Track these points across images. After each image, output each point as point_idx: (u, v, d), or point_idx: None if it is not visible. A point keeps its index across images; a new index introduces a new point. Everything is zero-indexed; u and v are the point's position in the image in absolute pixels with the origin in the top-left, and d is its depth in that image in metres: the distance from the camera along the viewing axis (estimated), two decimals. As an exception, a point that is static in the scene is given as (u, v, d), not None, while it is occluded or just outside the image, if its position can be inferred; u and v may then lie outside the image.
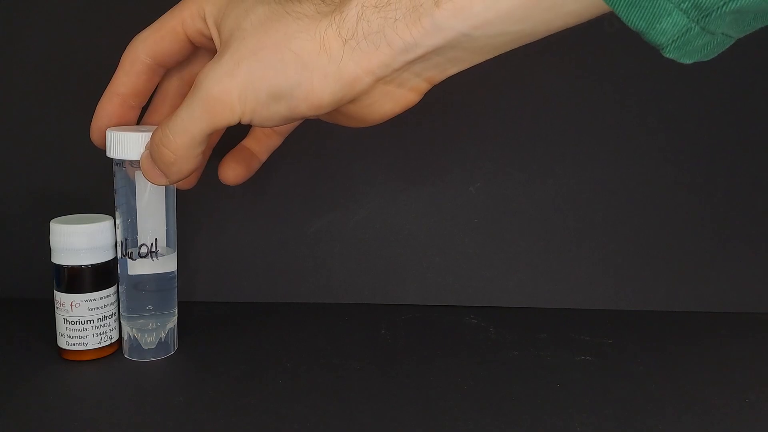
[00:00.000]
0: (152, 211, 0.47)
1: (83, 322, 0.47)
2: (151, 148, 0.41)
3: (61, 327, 0.47)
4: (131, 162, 0.44)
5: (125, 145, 0.43)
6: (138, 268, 0.47)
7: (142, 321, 0.48)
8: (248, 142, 0.49)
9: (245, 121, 0.38)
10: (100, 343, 0.48)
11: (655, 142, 0.57)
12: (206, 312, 0.56)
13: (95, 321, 0.47)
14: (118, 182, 0.47)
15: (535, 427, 0.40)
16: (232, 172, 0.47)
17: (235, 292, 0.59)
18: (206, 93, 0.37)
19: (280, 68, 0.36)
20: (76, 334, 0.47)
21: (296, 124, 0.48)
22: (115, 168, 0.47)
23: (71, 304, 0.47)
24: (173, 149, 0.39)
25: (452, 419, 0.41)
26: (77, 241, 0.46)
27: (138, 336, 0.48)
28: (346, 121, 0.41)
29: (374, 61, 0.36)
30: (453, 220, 0.58)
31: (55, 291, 0.47)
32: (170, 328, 0.49)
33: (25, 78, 0.57)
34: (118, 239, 0.47)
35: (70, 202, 0.55)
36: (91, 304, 0.47)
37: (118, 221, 0.47)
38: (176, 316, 0.49)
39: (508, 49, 0.36)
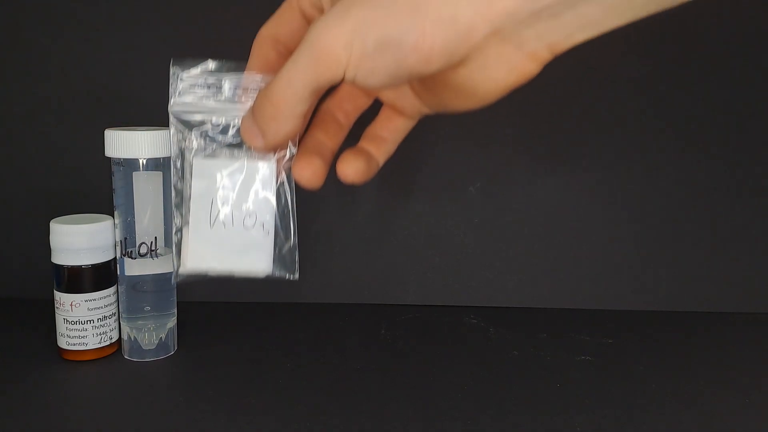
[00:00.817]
0: (151, 210, 0.47)
1: (83, 322, 0.47)
2: (254, 103, 0.39)
3: (61, 327, 0.47)
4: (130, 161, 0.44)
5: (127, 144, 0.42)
6: (136, 268, 0.47)
7: (140, 322, 0.48)
8: (363, 144, 0.45)
9: (349, 76, 0.36)
10: (100, 343, 0.48)
11: (656, 142, 0.57)
12: (206, 312, 0.56)
13: (95, 321, 0.47)
14: (118, 182, 0.47)
15: (535, 427, 0.40)
16: (352, 167, 0.43)
17: (235, 292, 0.59)
18: (314, 40, 0.35)
19: (392, 10, 0.33)
20: (76, 334, 0.47)
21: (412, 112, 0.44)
22: (114, 168, 0.47)
23: (71, 304, 0.47)
24: (276, 102, 0.38)
25: (452, 419, 0.41)
26: (77, 241, 0.46)
27: (138, 336, 0.48)
28: (453, 97, 0.38)
29: (495, 7, 0.33)
30: (453, 220, 0.58)
31: (55, 291, 0.47)
32: (170, 329, 0.49)
33: (26, 78, 0.57)
34: (118, 239, 0.47)
35: (70, 202, 0.55)
36: (91, 304, 0.47)
37: (117, 221, 0.47)
38: (176, 317, 0.49)
39: (645, 13, 0.33)
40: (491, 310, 0.58)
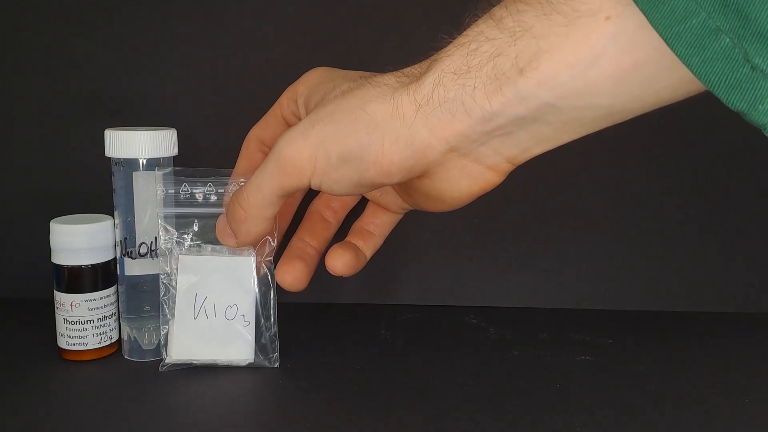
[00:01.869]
0: (151, 210, 0.47)
1: (83, 322, 0.47)
2: (227, 207, 0.43)
3: (61, 327, 0.47)
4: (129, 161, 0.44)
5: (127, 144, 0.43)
6: (136, 268, 0.47)
7: (140, 322, 0.48)
8: (351, 238, 0.47)
9: (315, 184, 0.38)
10: (100, 343, 0.48)
11: (656, 141, 0.57)
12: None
13: (95, 321, 0.47)
14: (117, 182, 0.47)
15: (535, 427, 0.40)
16: (340, 262, 0.45)
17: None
18: (279, 152, 0.38)
19: (352, 129, 0.36)
20: (76, 334, 0.47)
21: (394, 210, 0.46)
22: (114, 168, 0.47)
23: (71, 304, 0.47)
24: (245, 206, 0.40)
25: (452, 419, 0.41)
26: (77, 241, 0.46)
27: (138, 336, 0.48)
28: (424, 201, 0.40)
29: (449, 129, 0.34)
30: (453, 220, 0.58)
31: (55, 291, 0.47)
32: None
33: (26, 78, 0.57)
34: (118, 239, 0.47)
35: (70, 202, 0.55)
36: (91, 304, 0.47)
37: (117, 221, 0.47)
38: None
39: (596, 128, 0.34)
40: (491, 310, 0.58)
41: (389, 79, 0.37)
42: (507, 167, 0.38)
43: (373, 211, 0.47)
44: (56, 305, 0.47)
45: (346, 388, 0.45)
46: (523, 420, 0.41)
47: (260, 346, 0.47)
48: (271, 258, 0.47)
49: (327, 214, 0.48)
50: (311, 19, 0.56)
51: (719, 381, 0.46)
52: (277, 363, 0.47)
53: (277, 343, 0.47)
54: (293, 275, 0.45)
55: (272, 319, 0.47)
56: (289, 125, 0.45)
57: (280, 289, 0.48)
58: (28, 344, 0.50)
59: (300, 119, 0.43)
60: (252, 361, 0.46)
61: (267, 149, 0.46)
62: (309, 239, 0.47)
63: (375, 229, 0.47)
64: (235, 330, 0.46)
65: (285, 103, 0.45)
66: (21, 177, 0.58)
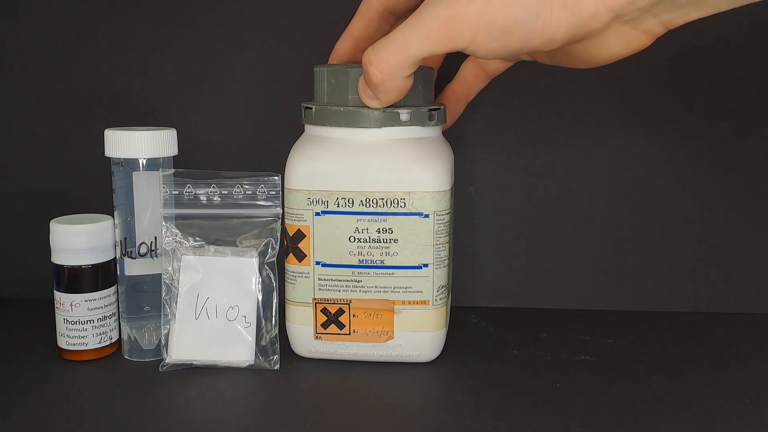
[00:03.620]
0: (151, 210, 0.47)
1: (83, 322, 0.47)
2: (364, 68, 0.40)
3: (61, 327, 0.47)
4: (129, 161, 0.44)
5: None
6: (136, 268, 0.47)
7: (140, 322, 0.48)
8: (455, 85, 0.48)
9: (468, 50, 0.37)
10: (100, 343, 0.48)
11: (656, 142, 0.57)
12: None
13: (95, 321, 0.47)
14: (118, 182, 0.47)
15: (535, 427, 0.40)
16: None
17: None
18: (437, 13, 0.36)
19: None
20: (76, 334, 0.47)
21: (510, 64, 0.47)
22: (114, 168, 0.47)
23: (71, 304, 0.47)
24: (381, 68, 0.39)
25: (452, 419, 0.41)
26: (77, 241, 0.46)
27: (138, 336, 0.48)
28: (567, 60, 0.40)
29: None
30: (453, 220, 0.58)
31: (55, 291, 0.47)
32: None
33: (26, 78, 0.57)
34: (118, 239, 0.47)
35: (70, 202, 0.55)
36: (91, 304, 0.47)
37: (117, 221, 0.47)
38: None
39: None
40: (491, 310, 0.58)
41: None
42: (660, 30, 0.37)
43: (473, 71, 0.48)
44: (56, 305, 0.47)
45: (346, 389, 0.45)
46: (523, 420, 0.41)
47: (261, 348, 0.47)
48: (273, 260, 0.47)
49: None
50: (311, 20, 0.56)
51: (719, 381, 0.46)
52: (278, 365, 0.47)
53: (277, 345, 0.47)
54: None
55: (273, 321, 0.47)
56: None
57: (280, 292, 0.48)
58: (28, 344, 0.50)
59: None
60: (252, 362, 0.46)
61: (387, 15, 0.45)
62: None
63: (482, 73, 0.48)
64: (236, 331, 0.46)
65: None
66: (21, 177, 0.58)
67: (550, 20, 0.35)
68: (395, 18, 0.46)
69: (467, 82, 0.49)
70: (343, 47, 0.47)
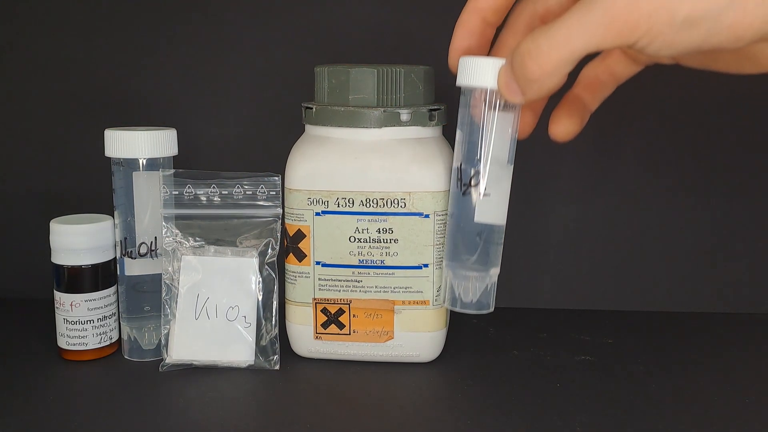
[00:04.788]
0: (151, 210, 0.47)
1: (83, 322, 0.47)
2: (514, 61, 0.36)
3: (61, 327, 0.47)
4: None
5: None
6: (136, 268, 0.47)
7: (140, 322, 0.48)
8: (579, 91, 0.43)
9: (639, 45, 0.33)
10: (100, 343, 0.48)
11: (656, 142, 0.57)
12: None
13: (95, 321, 0.47)
14: (118, 182, 0.47)
15: (535, 427, 0.40)
16: (564, 127, 0.41)
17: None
18: (609, 5, 0.32)
19: None
20: (76, 334, 0.47)
21: (641, 67, 0.42)
22: (114, 168, 0.47)
23: (71, 304, 0.47)
24: (542, 63, 0.34)
25: (452, 419, 0.41)
26: (77, 241, 0.46)
27: (138, 336, 0.48)
28: (734, 63, 0.36)
29: None
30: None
31: (55, 291, 0.47)
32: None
33: (26, 78, 0.57)
34: (118, 239, 0.47)
35: (70, 202, 0.55)
36: (91, 304, 0.47)
37: (117, 221, 0.47)
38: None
39: None
40: (491, 310, 0.58)
41: None
42: None
43: (617, 60, 0.42)
44: (56, 305, 0.47)
45: (346, 389, 0.45)
46: (523, 420, 0.41)
47: (261, 348, 0.47)
48: (274, 260, 0.47)
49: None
50: (311, 20, 0.56)
51: (719, 381, 0.46)
52: (278, 365, 0.47)
53: (277, 345, 0.47)
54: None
55: (273, 321, 0.47)
56: None
57: (281, 292, 0.48)
58: (28, 344, 0.50)
59: None
60: (252, 362, 0.46)
61: (493, 19, 0.40)
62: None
63: (610, 78, 0.42)
64: (236, 331, 0.46)
65: None
66: (21, 177, 0.58)
67: (744, 12, 0.31)
68: None
69: (592, 88, 0.43)
70: (470, 21, 0.40)
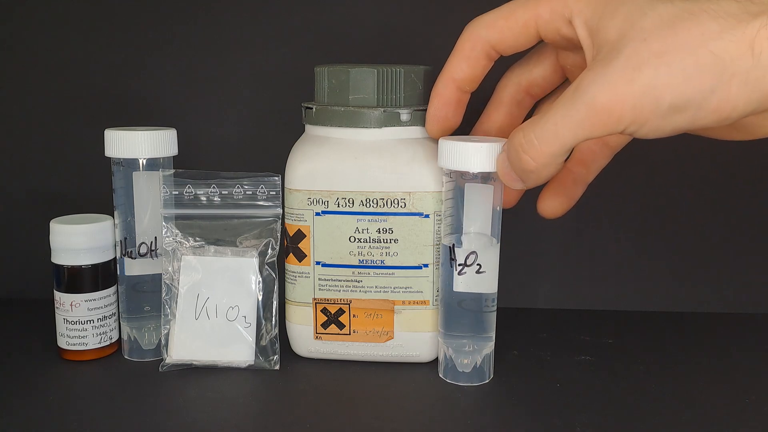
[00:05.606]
0: (151, 210, 0.47)
1: (83, 322, 0.47)
2: (509, 153, 0.38)
3: (61, 327, 0.47)
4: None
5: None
6: (136, 268, 0.47)
7: (140, 322, 0.48)
8: (572, 166, 0.44)
9: (628, 132, 0.34)
10: (100, 343, 0.48)
11: (656, 142, 0.57)
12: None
13: (95, 321, 0.47)
14: (118, 182, 0.47)
15: (535, 427, 0.40)
16: (551, 207, 0.44)
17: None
18: (592, 100, 0.33)
19: (694, 74, 0.31)
20: (76, 334, 0.47)
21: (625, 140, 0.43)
22: (114, 168, 0.47)
23: (71, 304, 0.47)
24: (535, 156, 0.36)
25: (452, 419, 0.41)
26: (77, 241, 0.46)
27: (138, 336, 0.48)
28: (724, 132, 0.37)
29: None
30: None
31: (55, 291, 0.47)
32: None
33: (25, 78, 0.57)
34: (118, 239, 0.47)
35: (70, 202, 0.55)
36: (91, 304, 0.47)
37: (117, 221, 0.47)
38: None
39: None
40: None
41: (730, 6, 0.31)
42: None
43: (591, 147, 0.43)
44: (56, 305, 0.47)
45: (346, 389, 0.45)
46: (523, 420, 0.41)
47: (261, 348, 0.47)
48: (274, 260, 0.47)
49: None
50: (311, 20, 0.56)
51: (719, 381, 0.46)
52: (278, 365, 0.47)
53: (277, 345, 0.47)
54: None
55: (273, 321, 0.47)
56: (542, 39, 0.39)
57: (281, 292, 0.48)
58: (28, 344, 0.50)
59: (570, 42, 0.38)
60: (252, 362, 0.46)
61: (495, 55, 0.41)
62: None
63: (604, 149, 0.43)
64: (236, 331, 0.46)
65: (546, 16, 0.38)
66: (21, 177, 0.58)
67: (727, 97, 0.31)
68: (498, 57, 0.42)
69: (585, 161, 0.44)
70: (446, 92, 0.42)
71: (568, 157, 0.39)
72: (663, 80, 0.32)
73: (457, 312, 0.44)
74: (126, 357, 0.48)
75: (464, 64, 0.41)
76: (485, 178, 0.42)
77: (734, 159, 0.57)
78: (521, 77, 0.43)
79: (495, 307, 0.45)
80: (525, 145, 0.36)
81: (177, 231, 0.47)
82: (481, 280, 0.43)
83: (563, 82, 0.44)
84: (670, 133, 0.34)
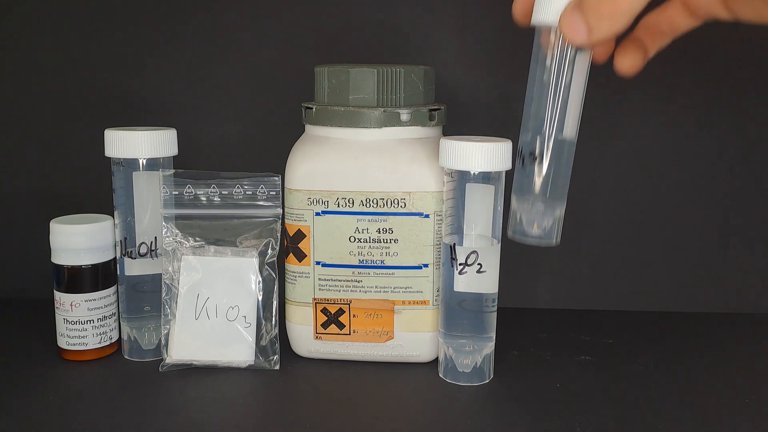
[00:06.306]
0: (151, 210, 0.47)
1: (83, 322, 0.47)
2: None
3: (61, 327, 0.47)
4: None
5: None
6: (136, 268, 0.47)
7: (140, 322, 0.48)
8: (640, 34, 0.42)
9: None
10: (100, 343, 0.48)
11: (656, 142, 0.57)
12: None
13: (95, 321, 0.47)
14: (118, 182, 0.47)
15: (535, 427, 0.40)
16: (630, 61, 0.41)
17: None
18: None
19: None
20: (76, 334, 0.47)
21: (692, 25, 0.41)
22: (114, 168, 0.47)
23: (71, 304, 0.47)
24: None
25: (452, 419, 0.41)
26: (77, 241, 0.46)
27: (138, 336, 0.48)
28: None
29: None
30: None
31: (55, 291, 0.47)
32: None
33: (26, 78, 0.57)
34: (118, 239, 0.47)
35: (70, 202, 0.55)
36: (91, 304, 0.47)
37: (117, 221, 0.47)
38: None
39: None
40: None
41: None
42: None
43: (677, 11, 0.41)
44: (56, 305, 0.47)
45: (346, 389, 0.45)
46: (523, 420, 0.41)
47: (261, 348, 0.47)
48: (274, 260, 0.47)
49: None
50: (311, 20, 0.56)
51: (719, 381, 0.46)
52: (278, 365, 0.47)
53: (277, 345, 0.47)
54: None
55: (273, 321, 0.47)
56: None
57: (281, 292, 0.48)
58: (28, 344, 0.50)
59: None
60: (252, 362, 0.46)
61: None
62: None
63: (669, 29, 0.42)
64: (236, 331, 0.46)
65: None
66: (21, 177, 0.58)
67: None
68: None
69: (653, 34, 0.42)
70: None
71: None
72: None
73: (457, 312, 0.44)
74: (126, 357, 0.48)
75: None
76: (486, 177, 0.42)
77: (734, 158, 0.57)
78: None
79: (495, 308, 0.45)
80: None
81: (177, 231, 0.47)
82: (481, 279, 0.43)
83: None
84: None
